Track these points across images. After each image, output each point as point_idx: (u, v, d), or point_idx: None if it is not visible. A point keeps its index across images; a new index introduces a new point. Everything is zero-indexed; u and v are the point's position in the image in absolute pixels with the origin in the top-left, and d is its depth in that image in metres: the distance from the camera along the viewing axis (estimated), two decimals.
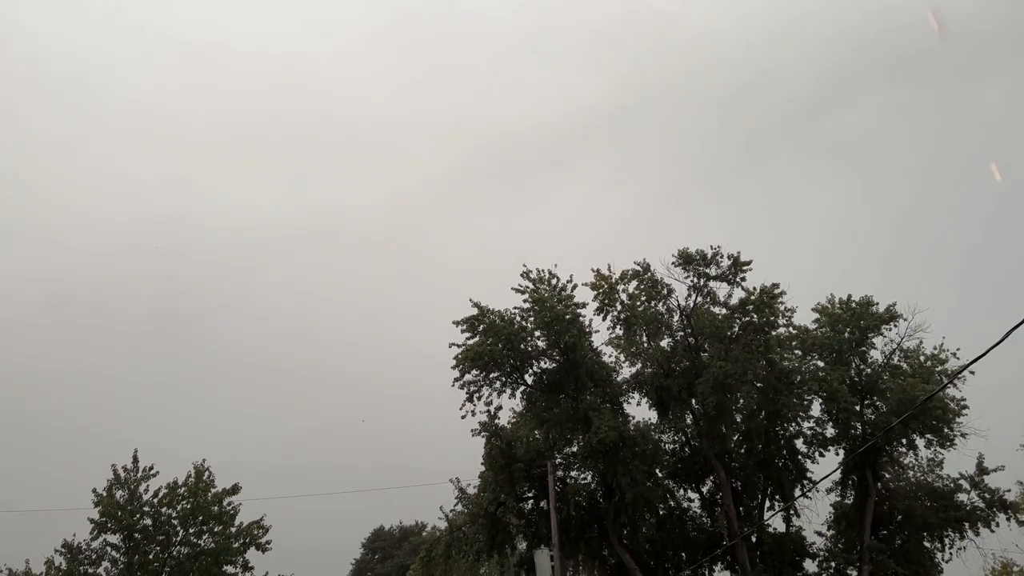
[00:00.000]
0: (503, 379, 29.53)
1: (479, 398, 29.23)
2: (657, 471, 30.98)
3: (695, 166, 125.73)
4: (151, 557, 29.79)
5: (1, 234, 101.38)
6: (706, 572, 31.16)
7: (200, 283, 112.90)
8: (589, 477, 30.68)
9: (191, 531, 30.32)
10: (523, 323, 29.49)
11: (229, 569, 30.59)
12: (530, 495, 30.30)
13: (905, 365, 30.54)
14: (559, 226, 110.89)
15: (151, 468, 30.72)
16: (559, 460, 29.96)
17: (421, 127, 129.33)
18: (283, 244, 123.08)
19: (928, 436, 29.60)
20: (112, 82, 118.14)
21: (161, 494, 30.38)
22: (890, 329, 30.19)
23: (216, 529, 30.59)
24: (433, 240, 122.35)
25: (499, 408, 29.48)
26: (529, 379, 30.01)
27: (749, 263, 29.75)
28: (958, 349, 30.02)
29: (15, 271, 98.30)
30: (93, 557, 29.82)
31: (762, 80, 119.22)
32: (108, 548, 29.78)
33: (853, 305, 30.67)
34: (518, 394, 29.97)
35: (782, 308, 29.63)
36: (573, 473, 30.86)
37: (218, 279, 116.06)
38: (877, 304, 30.50)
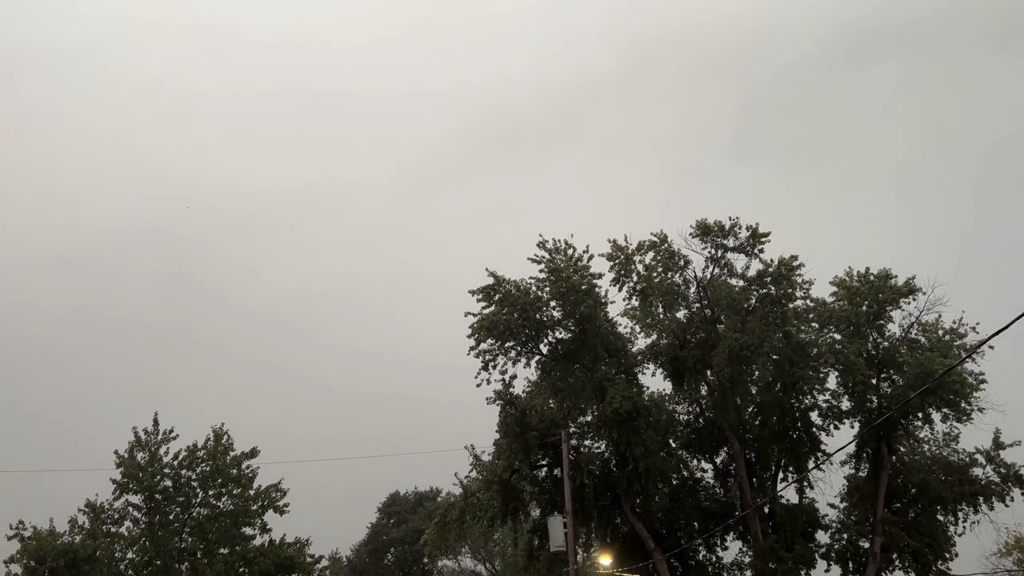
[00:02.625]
0: (518, 348, 29.61)
1: (494, 367, 29.37)
2: (671, 441, 31.09)
3: (706, 136, 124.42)
4: (171, 518, 30.38)
5: (9, 200, 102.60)
6: (718, 542, 31.39)
7: (207, 250, 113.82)
8: (603, 446, 30.86)
9: (210, 493, 30.85)
10: (539, 293, 29.47)
11: (248, 531, 31.13)
12: (544, 463, 30.52)
13: (923, 339, 30.30)
14: (568, 196, 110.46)
15: (171, 431, 31.19)
16: (573, 429, 30.12)
17: (429, 98, 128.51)
18: (289, 213, 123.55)
19: (945, 410, 29.42)
20: (123, 53, 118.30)
21: (181, 456, 30.84)
22: (908, 303, 29.92)
23: (235, 492, 31.08)
24: (442, 208, 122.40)
25: (514, 377, 29.66)
26: (544, 349, 30.07)
27: (768, 234, 29.51)
28: (977, 323, 29.76)
29: (25, 235, 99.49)
30: (115, 517, 30.48)
31: (772, 47, 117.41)
32: (130, 508, 30.40)
33: (871, 278, 30.37)
34: (533, 363, 30.06)
35: (800, 280, 29.39)
36: (587, 442, 31.06)
37: (225, 247, 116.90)
38: (896, 277, 30.19)
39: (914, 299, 29.73)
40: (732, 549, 31.34)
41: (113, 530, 30.40)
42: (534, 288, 29.50)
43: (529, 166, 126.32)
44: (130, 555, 30.24)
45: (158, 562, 29.43)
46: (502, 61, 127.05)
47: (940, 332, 30.30)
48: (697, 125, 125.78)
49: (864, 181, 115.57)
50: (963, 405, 29.02)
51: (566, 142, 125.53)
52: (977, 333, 29.49)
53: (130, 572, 29.82)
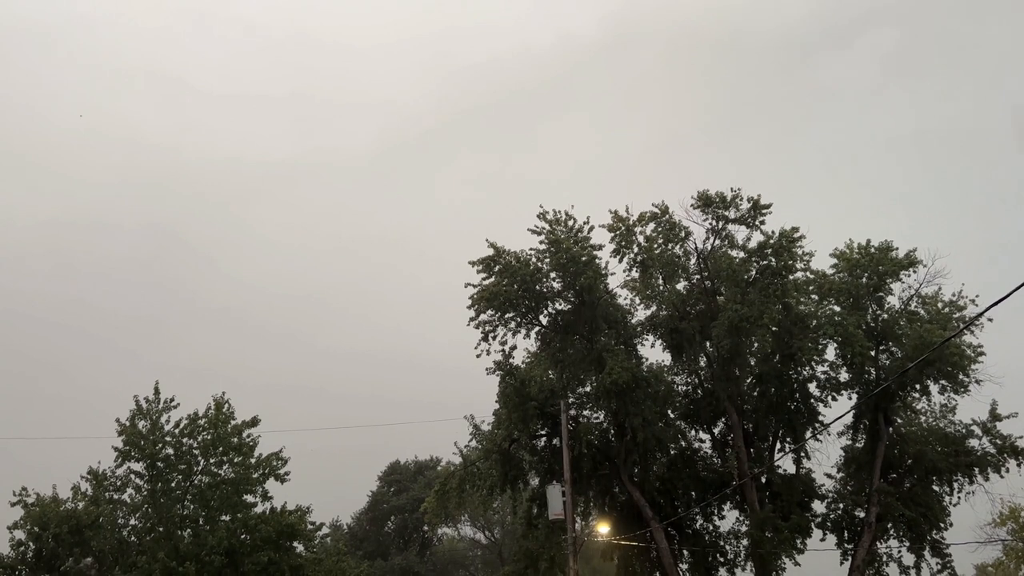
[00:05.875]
0: (518, 320, 29.67)
1: (494, 338, 29.47)
2: (669, 412, 31.23)
3: (698, 107, 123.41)
4: (173, 485, 30.58)
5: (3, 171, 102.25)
6: (715, 511, 31.69)
7: (198, 219, 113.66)
8: (601, 416, 31.05)
9: (212, 461, 31.01)
10: (539, 264, 29.45)
11: (249, 498, 31.36)
12: (543, 433, 30.72)
13: (922, 311, 30.31)
14: (558, 167, 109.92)
15: (172, 400, 31.29)
16: (572, 400, 30.27)
17: (419, 67, 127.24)
18: (280, 182, 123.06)
19: (942, 382, 29.53)
20: (113, 23, 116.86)
21: (182, 425, 31.01)
22: (909, 275, 29.88)
23: (236, 460, 31.26)
24: (433, 177, 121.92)
25: (514, 348, 29.80)
26: (544, 320, 30.14)
27: (769, 206, 29.39)
28: (977, 296, 29.76)
29: (14, 204, 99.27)
30: (118, 484, 30.68)
31: (762, 17, 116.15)
32: (132, 476, 30.60)
33: (872, 250, 30.33)
34: (533, 334, 30.16)
35: (800, 252, 29.35)
36: (586, 412, 31.24)
37: (214, 215, 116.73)
38: (896, 249, 30.15)
39: (914, 271, 29.72)
40: (729, 518, 31.70)
41: (116, 497, 30.61)
42: (534, 259, 29.48)
43: (524, 139, 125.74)
44: (133, 522, 30.51)
45: (160, 528, 29.70)
46: (492, 31, 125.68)
47: (939, 304, 30.31)
48: (690, 96, 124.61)
49: (861, 152, 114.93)
50: (961, 377, 29.10)
51: (558, 114, 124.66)
52: (976, 305, 29.55)
53: (133, 538, 30.11)
